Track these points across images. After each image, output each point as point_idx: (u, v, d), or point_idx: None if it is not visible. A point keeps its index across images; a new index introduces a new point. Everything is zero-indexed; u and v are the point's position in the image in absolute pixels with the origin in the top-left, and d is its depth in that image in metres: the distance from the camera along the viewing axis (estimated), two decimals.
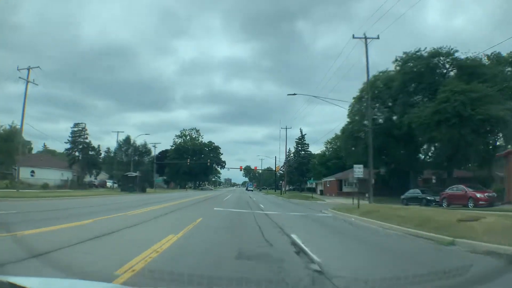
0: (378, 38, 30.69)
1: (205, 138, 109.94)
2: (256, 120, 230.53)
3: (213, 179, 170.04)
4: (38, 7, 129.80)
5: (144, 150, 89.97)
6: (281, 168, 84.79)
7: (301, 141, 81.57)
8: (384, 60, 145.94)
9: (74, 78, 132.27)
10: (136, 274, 4.89)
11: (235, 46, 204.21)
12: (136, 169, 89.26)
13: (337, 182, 55.26)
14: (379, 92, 42.18)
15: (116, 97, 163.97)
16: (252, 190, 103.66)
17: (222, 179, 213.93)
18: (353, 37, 28.83)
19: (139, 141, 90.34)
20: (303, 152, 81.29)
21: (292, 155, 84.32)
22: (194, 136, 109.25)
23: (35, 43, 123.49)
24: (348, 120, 45.43)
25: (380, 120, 43.97)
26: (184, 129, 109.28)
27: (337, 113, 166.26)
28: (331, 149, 75.00)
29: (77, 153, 55.72)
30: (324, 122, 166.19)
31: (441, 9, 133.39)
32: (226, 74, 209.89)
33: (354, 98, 44.99)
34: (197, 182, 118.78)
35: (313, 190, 76.60)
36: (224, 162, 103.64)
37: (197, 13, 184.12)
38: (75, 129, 55.51)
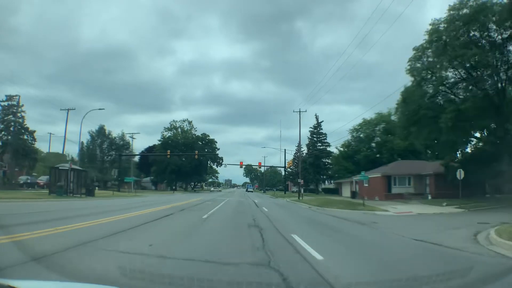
0: None
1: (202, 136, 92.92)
2: (255, 121, 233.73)
3: (210, 180, 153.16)
4: (36, 9, 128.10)
5: (121, 143, 73.39)
6: (291, 165, 68.00)
7: (317, 130, 64.61)
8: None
9: (73, 80, 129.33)
10: None
11: (234, 46, 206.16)
12: (111, 166, 73.11)
13: (384, 180, 38.38)
14: (450, 39, 25.64)
15: (115, 99, 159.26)
16: (252, 191, 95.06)
17: (222, 180, 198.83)
18: None
19: (115, 132, 74.25)
20: (319, 144, 64.35)
21: (304, 149, 67.55)
22: (186, 129, 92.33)
23: (33, 45, 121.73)
24: (411, 79, 29.03)
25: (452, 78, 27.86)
26: (174, 121, 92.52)
27: (337, 113, 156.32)
28: (357, 139, 58.10)
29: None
30: (324, 123, 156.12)
31: None
32: (225, 75, 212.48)
33: (415, 48, 28.76)
34: (193, 183, 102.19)
35: (333, 191, 59.68)
36: (221, 158, 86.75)
37: (196, 14, 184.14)
38: (5, 103, 38.66)
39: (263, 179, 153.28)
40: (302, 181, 38.85)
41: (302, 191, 37.59)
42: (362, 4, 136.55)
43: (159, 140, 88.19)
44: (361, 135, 57.26)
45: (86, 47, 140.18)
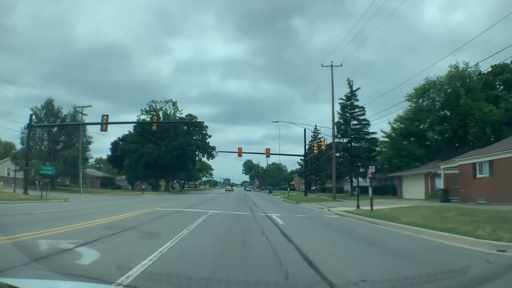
0: None
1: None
2: (253, 120, 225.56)
3: (204, 178, 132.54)
4: (32, 9, 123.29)
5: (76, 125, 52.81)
6: (302, 159, 47.68)
7: (350, 102, 44.22)
8: None
9: (69, 79, 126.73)
10: None
11: (230, 44, 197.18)
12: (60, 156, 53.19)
13: None
14: None
15: (112, 98, 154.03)
16: (249, 190, 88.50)
17: (219, 179, 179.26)
18: None
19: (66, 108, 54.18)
20: (354, 122, 43.98)
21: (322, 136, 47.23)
22: (169, 112, 71.67)
23: (30, 45, 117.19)
24: None
25: None
26: (153, 101, 71.46)
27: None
28: (418, 108, 37.68)
29: None
30: (324, 121, 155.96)
31: None
32: (222, 74, 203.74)
33: None
34: (182, 181, 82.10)
35: (380, 190, 34.78)
36: (213, 148, 66.37)
37: (192, 12, 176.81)
38: None
39: (265, 177, 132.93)
40: (372, 169, 18.08)
41: (372, 192, 17.31)
42: (360, 0, 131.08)
43: (134, 126, 67.62)
44: (424, 104, 36.95)
45: (82, 46, 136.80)
